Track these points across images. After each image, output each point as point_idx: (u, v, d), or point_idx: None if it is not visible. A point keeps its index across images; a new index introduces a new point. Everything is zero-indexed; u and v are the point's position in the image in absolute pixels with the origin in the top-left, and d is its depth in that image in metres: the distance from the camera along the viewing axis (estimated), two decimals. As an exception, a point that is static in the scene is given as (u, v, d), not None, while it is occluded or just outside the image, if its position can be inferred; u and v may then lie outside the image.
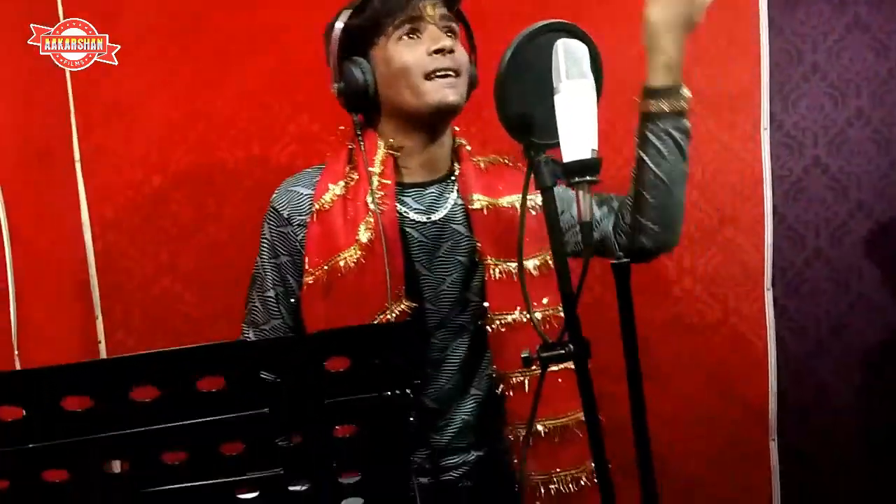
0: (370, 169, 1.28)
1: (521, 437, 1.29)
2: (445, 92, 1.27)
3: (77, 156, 1.96)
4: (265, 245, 1.33)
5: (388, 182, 1.28)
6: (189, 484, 0.87)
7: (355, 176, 1.30)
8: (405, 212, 1.31)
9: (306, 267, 1.26)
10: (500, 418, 1.32)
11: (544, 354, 1.05)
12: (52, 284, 1.90)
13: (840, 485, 2.25)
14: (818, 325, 2.23)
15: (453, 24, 1.33)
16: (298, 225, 1.30)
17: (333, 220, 1.26)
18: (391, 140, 1.32)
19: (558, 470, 1.30)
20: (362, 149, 1.31)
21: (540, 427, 1.30)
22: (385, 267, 1.22)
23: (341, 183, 1.29)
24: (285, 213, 1.31)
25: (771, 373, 2.21)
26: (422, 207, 1.33)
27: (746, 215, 2.17)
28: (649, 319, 2.17)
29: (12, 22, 1.69)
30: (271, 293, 1.32)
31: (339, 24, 1.31)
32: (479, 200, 1.32)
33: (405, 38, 1.28)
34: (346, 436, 0.86)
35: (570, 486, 1.30)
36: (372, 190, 1.26)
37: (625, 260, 1.02)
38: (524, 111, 1.11)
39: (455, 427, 1.35)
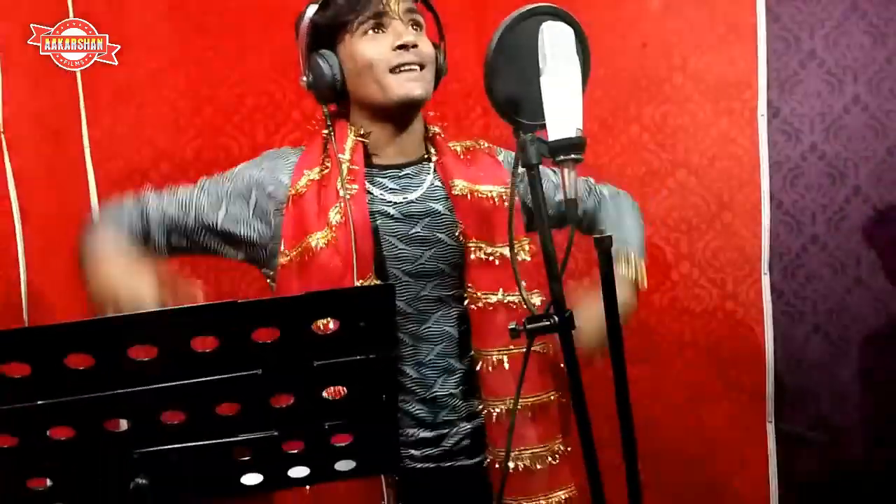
0: (339, 156, 1.32)
1: (496, 414, 1.34)
2: (410, 86, 1.30)
3: (86, 142, 2.01)
4: (225, 179, 1.36)
5: (356, 168, 1.33)
6: (187, 444, 0.92)
7: (329, 164, 1.34)
8: (380, 193, 1.35)
9: (281, 248, 1.31)
10: (480, 394, 1.37)
11: (530, 326, 1.09)
12: (62, 267, 1.96)
13: (837, 465, 2.28)
14: (815, 309, 2.26)
15: (418, 17, 1.36)
16: (268, 186, 1.34)
17: (307, 204, 1.31)
18: (361, 129, 1.36)
19: (526, 447, 1.34)
20: (332, 139, 1.35)
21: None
22: (353, 248, 1.26)
23: (316, 169, 1.33)
24: (257, 174, 1.35)
25: (768, 356, 2.24)
26: (397, 188, 1.37)
27: (744, 201, 2.21)
28: (648, 302, 2.20)
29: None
30: (196, 205, 1.34)
31: (307, 19, 1.34)
32: (460, 186, 1.36)
33: (370, 32, 1.31)
34: (336, 397, 0.91)
35: (537, 463, 1.35)
36: (341, 176, 1.30)
37: (607, 234, 1.06)
38: (512, 93, 1.15)
39: (442, 401, 1.39)
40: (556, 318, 1.08)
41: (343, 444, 0.98)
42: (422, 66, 1.32)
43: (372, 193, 1.35)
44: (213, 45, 2.03)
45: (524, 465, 1.34)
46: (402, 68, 1.30)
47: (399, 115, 1.36)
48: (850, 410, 2.28)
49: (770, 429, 2.25)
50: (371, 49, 1.31)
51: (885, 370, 2.26)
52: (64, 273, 1.98)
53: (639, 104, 2.18)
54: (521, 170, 1.14)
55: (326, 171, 1.33)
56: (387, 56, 1.30)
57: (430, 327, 1.37)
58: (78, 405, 0.83)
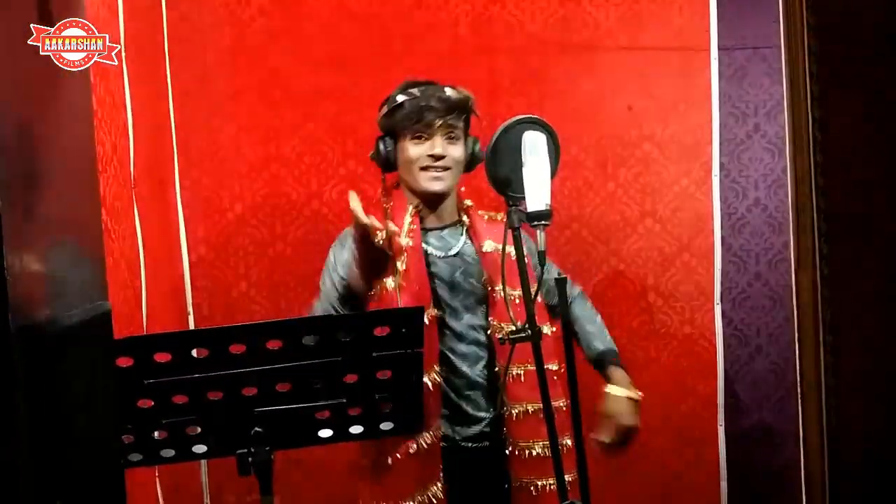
0: (406, 218, 1.87)
1: (515, 413, 1.87)
2: (432, 183, 1.86)
3: (177, 188, 2.57)
4: (332, 257, 1.88)
5: (415, 227, 1.87)
6: (290, 406, 1.44)
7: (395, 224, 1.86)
8: (428, 249, 1.89)
9: None
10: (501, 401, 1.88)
11: (512, 336, 1.61)
12: (160, 287, 2.50)
13: (776, 462, 2.76)
14: (758, 333, 2.77)
15: (454, 130, 1.87)
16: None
17: None
18: (414, 199, 1.90)
19: (540, 440, 1.86)
20: (385, 206, 1.90)
21: (530, 407, 1.87)
22: (415, 286, 1.81)
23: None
24: (340, 255, 1.87)
25: (719, 371, 2.73)
26: (439, 244, 1.91)
27: (700, 244, 2.71)
28: (622, 326, 2.71)
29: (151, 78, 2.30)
30: (335, 277, 1.83)
31: (379, 117, 1.90)
32: (488, 246, 1.91)
33: (416, 137, 1.86)
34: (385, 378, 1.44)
35: (546, 451, 1.83)
36: (404, 234, 1.84)
37: (564, 276, 1.58)
38: (504, 176, 1.66)
39: (473, 401, 1.91)
40: (529, 331, 1.61)
41: (387, 410, 1.51)
42: (447, 168, 1.85)
43: (425, 249, 1.88)
44: (279, 114, 2.57)
45: (538, 452, 1.86)
46: (430, 170, 1.85)
47: (428, 198, 1.90)
48: (786, 417, 2.77)
49: (720, 431, 2.75)
50: (414, 151, 1.86)
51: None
52: (159, 294, 2.52)
53: (615, 165, 2.69)
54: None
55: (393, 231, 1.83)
56: (422, 159, 1.85)
57: (466, 346, 1.89)
58: (229, 377, 1.36)
